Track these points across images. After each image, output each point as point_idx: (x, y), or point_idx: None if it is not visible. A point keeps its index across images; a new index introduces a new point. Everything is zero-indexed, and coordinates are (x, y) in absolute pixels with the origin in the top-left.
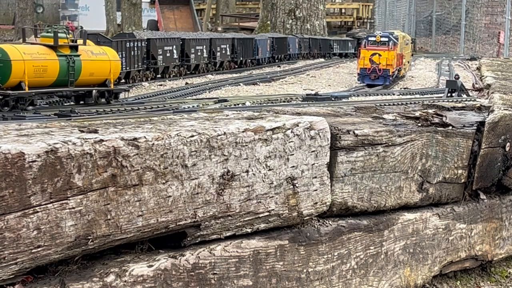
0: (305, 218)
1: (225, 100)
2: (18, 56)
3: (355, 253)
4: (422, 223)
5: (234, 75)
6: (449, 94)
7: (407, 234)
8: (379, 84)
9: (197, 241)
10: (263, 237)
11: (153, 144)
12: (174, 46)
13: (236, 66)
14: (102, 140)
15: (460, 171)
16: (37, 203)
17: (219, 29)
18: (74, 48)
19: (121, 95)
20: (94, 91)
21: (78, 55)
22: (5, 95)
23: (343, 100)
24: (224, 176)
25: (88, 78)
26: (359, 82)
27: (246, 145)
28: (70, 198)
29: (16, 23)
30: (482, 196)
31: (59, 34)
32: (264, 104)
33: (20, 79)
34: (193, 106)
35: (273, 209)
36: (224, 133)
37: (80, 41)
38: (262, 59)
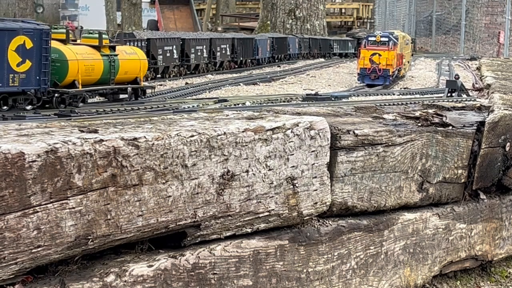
0: (305, 218)
1: (225, 100)
2: (72, 56)
3: (355, 253)
4: (422, 223)
5: (234, 75)
6: (449, 94)
7: (407, 234)
8: (379, 84)
9: (197, 241)
10: (263, 237)
11: (153, 144)
12: (174, 46)
13: (236, 66)
14: (102, 140)
15: (460, 171)
16: (37, 203)
17: (219, 29)
18: (113, 48)
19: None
20: (129, 88)
21: (117, 55)
22: (63, 93)
23: (343, 100)
24: (224, 176)
25: (123, 76)
26: (359, 82)
27: (246, 145)
28: (70, 198)
29: None
30: (482, 196)
31: (91, 35)
32: (264, 104)
33: (74, 77)
34: (193, 106)
35: (273, 209)
36: (224, 133)
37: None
38: (262, 59)
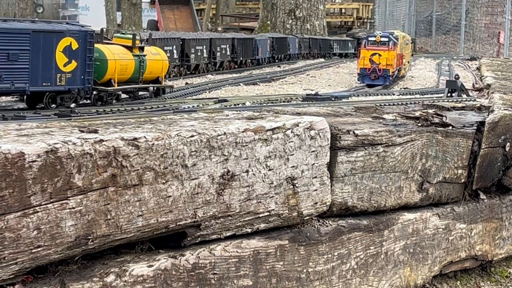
0: (305, 218)
1: (225, 100)
2: (111, 56)
3: (355, 253)
4: (422, 223)
5: (234, 75)
6: (449, 94)
7: (407, 234)
8: (379, 84)
9: (197, 241)
10: (263, 237)
11: (153, 144)
12: (174, 46)
13: (236, 66)
14: (102, 140)
15: (460, 171)
16: (37, 203)
17: (219, 29)
18: (141, 49)
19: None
20: (151, 88)
21: (145, 55)
22: (102, 90)
23: (343, 100)
24: (224, 176)
25: (149, 75)
26: (359, 82)
27: (246, 145)
28: (70, 198)
29: None
30: (482, 196)
31: (126, 36)
32: (264, 104)
33: (111, 76)
34: (193, 106)
35: (273, 209)
36: (224, 133)
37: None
38: (262, 59)
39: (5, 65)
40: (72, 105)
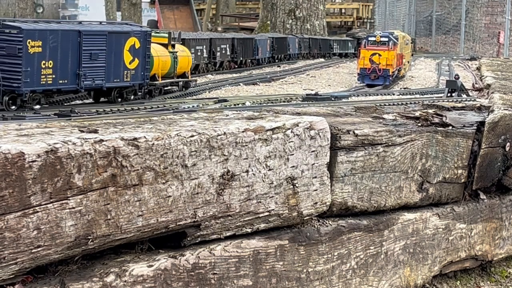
0: (305, 218)
1: (225, 100)
2: (155, 53)
3: (355, 253)
4: (422, 223)
5: (234, 75)
6: (449, 94)
7: (407, 234)
8: (379, 84)
9: (197, 241)
10: (263, 237)
11: (153, 144)
12: None
13: (236, 66)
14: (102, 140)
15: (460, 171)
16: (37, 203)
17: (219, 29)
18: (173, 46)
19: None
20: (180, 82)
21: (177, 52)
22: (151, 85)
23: (343, 100)
24: (224, 176)
25: (179, 70)
26: (359, 82)
27: (246, 145)
28: (70, 198)
29: None
30: (482, 196)
31: (162, 34)
32: (264, 104)
33: (156, 71)
34: (193, 106)
35: (273, 209)
36: (224, 133)
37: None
38: (262, 59)
39: (88, 64)
40: (131, 97)
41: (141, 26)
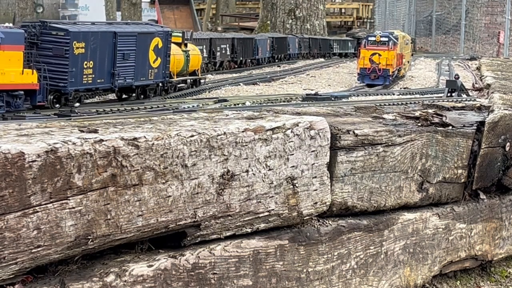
0: (305, 218)
1: (225, 100)
2: (171, 51)
3: (355, 253)
4: (422, 223)
5: (234, 75)
6: (449, 94)
7: (407, 234)
8: (379, 84)
9: (197, 241)
10: (263, 237)
11: (153, 144)
12: None
13: (236, 66)
14: (102, 140)
15: (460, 171)
16: (37, 203)
17: (219, 29)
18: (185, 45)
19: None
20: (189, 80)
21: (189, 51)
22: (168, 82)
23: (343, 100)
24: (224, 176)
25: (190, 69)
26: (359, 82)
27: (246, 145)
28: (70, 198)
29: (16, 23)
30: (482, 196)
31: (176, 34)
32: (264, 104)
33: (171, 70)
34: (193, 106)
35: (273, 209)
36: (224, 133)
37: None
38: (262, 59)
39: (121, 63)
40: (152, 95)
41: (162, 26)
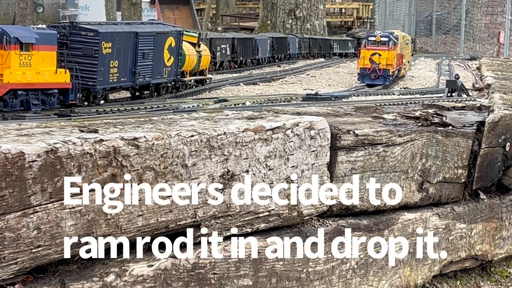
0: (305, 218)
1: (225, 100)
2: (186, 51)
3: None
4: (422, 223)
5: (234, 75)
6: (449, 94)
7: (407, 234)
8: (379, 84)
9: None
10: (263, 237)
11: (153, 144)
12: None
13: (236, 66)
14: (102, 140)
15: (460, 171)
16: (37, 203)
17: (219, 29)
18: (199, 45)
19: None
20: (195, 78)
21: (202, 51)
22: (180, 81)
23: (343, 100)
24: (224, 176)
25: (200, 68)
26: (359, 82)
27: (246, 145)
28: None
29: (16, 23)
30: (482, 196)
31: (193, 34)
32: (264, 104)
33: (185, 69)
34: (193, 106)
35: (273, 209)
36: (224, 133)
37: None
38: (262, 59)
39: (142, 62)
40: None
41: (174, 26)
